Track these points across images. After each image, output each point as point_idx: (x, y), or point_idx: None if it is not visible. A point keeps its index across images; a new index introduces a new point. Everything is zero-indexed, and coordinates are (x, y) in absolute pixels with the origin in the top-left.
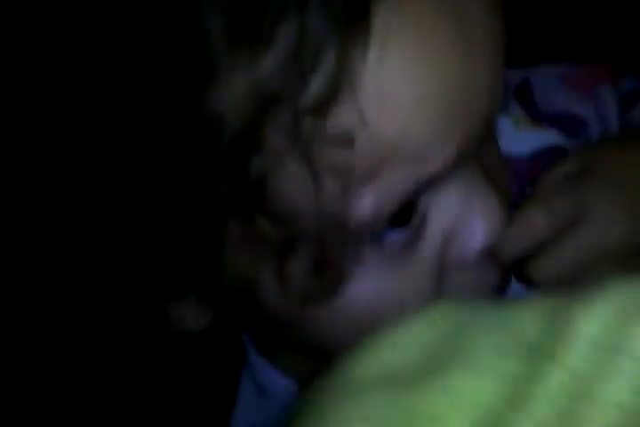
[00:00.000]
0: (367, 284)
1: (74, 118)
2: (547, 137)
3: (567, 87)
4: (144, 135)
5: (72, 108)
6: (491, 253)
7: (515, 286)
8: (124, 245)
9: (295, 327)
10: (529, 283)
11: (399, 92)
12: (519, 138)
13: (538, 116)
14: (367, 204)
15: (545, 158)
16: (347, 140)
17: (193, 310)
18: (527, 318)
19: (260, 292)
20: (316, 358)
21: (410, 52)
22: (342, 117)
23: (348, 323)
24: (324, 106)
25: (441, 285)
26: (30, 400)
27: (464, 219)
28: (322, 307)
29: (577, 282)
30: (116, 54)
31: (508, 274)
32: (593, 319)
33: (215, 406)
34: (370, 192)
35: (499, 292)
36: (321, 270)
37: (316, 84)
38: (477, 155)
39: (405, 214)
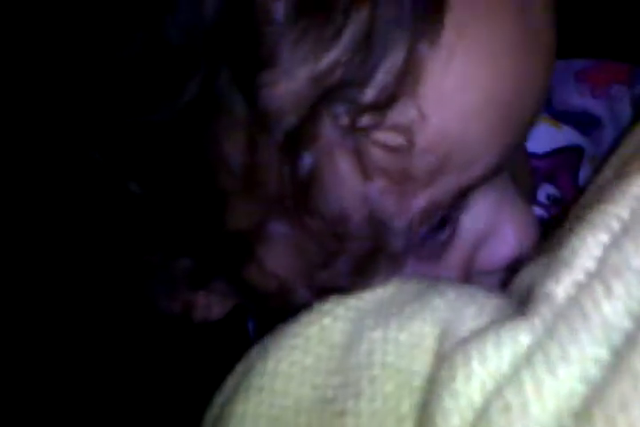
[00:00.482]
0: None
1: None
2: (564, 135)
3: (581, 85)
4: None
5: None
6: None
7: None
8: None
9: None
10: None
11: (462, 92)
12: (536, 135)
13: (553, 114)
14: (417, 207)
15: (561, 156)
16: (404, 140)
17: (218, 297)
18: None
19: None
20: None
21: (478, 52)
22: (402, 116)
23: None
24: (386, 101)
25: None
26: (30, 395)
27: (495, 227)
28: None
29: None
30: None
31: None
32: None
33: None
34: (421, 195)
35: None
36: (361, 271)
37: (381, 78)
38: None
39: (441, 220)
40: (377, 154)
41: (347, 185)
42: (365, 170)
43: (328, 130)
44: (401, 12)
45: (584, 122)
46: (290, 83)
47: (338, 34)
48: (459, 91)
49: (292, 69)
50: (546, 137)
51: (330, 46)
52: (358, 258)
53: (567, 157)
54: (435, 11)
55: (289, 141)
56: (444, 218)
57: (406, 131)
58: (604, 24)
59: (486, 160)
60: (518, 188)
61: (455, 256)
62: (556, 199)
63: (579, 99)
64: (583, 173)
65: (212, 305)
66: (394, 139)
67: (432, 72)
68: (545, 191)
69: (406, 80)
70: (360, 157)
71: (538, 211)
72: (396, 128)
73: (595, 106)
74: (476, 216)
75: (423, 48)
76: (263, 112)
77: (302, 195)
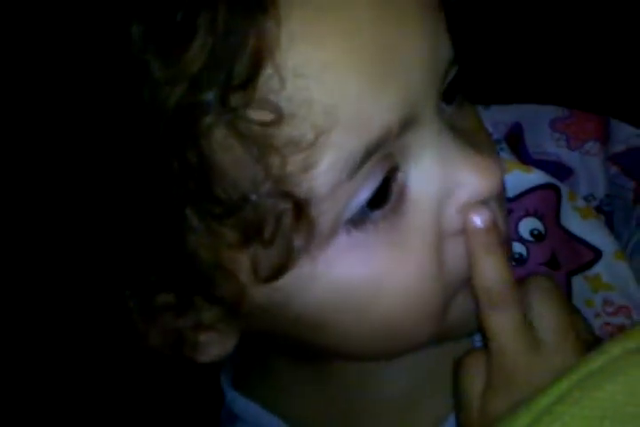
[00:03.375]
0: (363, 264)
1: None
2: (535, 177)
3: (558, 134)
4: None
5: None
6: None
7: None
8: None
9: (297, 329)
10: None
11: (318, 57)
12: (510, 180)
13: (529, 161)
14: (322, 173)
15: (538, 193)
16: (274, 112)
17: (216, 336)
18: None
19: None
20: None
21: (325, 19)
22: (266, 89)
23: (350, 316)
24: (247, 78)
25: (439, 253)
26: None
27: (455, 180)
28: (327, 297)
29: None
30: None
31: None
32: None
33: None
34: (322, 162)
35: None
36: (299, 248)
37: (239, 64)
38: (443, 116)
39: (382, 193)
40: (258, 130)
41: (244, 169)
42: (254, 148)
43: (207, 117)
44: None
45: (556, 171)
46: (165, 82)
47: (190, 36)
48: (317, 51)
49: (164, 71)
50: (517, 181)
51: (187, 48)
52: (288, 238)
53: (545, 194)
54: None
55: (175, 134)
56: (384, 185)
57: (275, 108)
58: (577, 72)
59: (380, 116)
60: (468, 141)
61: (417, 220)
62: (540, 235)
63: (554, 148)
64: (566, 209)
65: (210, 344)
66: (268, 108)
67: (287, 47)
68: (530, 226)
69: (263, 62)
70: (244, 137)
71: (517, 248)
72: (265, 99)
73: (570, 158)
74: (426, 179)
75: (271, 30)
76: (149, 112)
77: (202, 184)
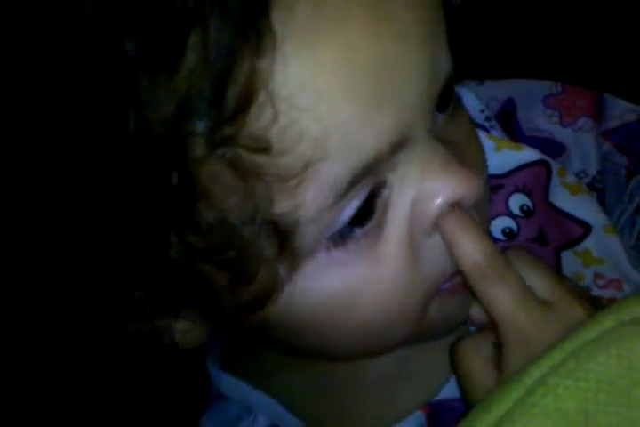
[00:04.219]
0: (340, 281)
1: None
2: (526, 154)
3: (550, 110)
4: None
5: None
6: None
7: None
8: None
9: (275, 328)
10: None
11: (313, 85)
12: (499, 158)
13: (521, 138)
14: (309, 198)
15: (529, 170)
16: (264, 144)
17: (191, 324)
18: None
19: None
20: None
21: (316, 42)
22: (258, 119)
23: (329, 317)
24: (240, 111)
25: (415, 261)
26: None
27: (428, 189)
28: (303, 308)
29: None
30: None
31: None
32: None
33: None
34: (310, 187)
35: None
36: (288, 266)
37: (230, 91)
38: (434, 131)
39: (367, 209)
40: (245, 159)
41: (228, 193)
42: (244, 175)
43: (197, 144)
44: (229, 29)
45: (549, 147)
46: (154, 106)
47: (180, 59)
48: (313, 78)
49: (154, 94)
50: (507, 159)
51: (177, 71)
52: (272, 267)
53: (535, 171)
54: (259, 21)
55: (159, 158)
56: (368, 202)
57: (263, 137)
58: (573, 46)
59: (372, 143)
60: (452, 151)
61: (393, 233)
62: (529, 211)
63: (547, 124)
64: (555, 185)
65: (187, 331)
66: (258, 141)
67: (278, 76)
68: (519, 201)
69: (255, 90)
70: (231, 165)
71: (507, 222)
72: (257, 131)
73: (562, 134)
74: (404, 187)
75: (263, 57)
76: (137, 134)
77: (185, 208)
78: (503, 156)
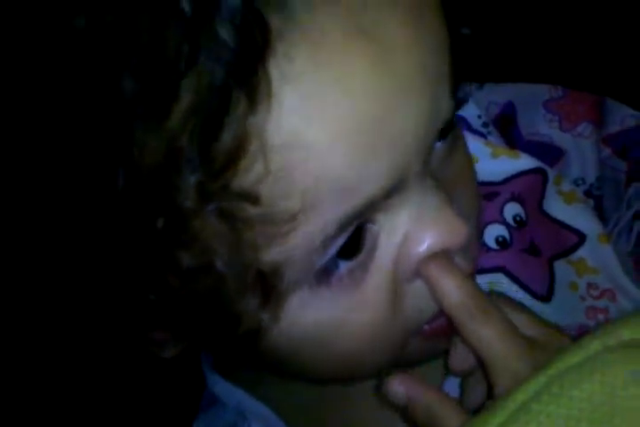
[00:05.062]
0: (323, 315)
1: None
2: (523, 161)
3: (551, 115)
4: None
5: None
6: None
7: None
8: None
9: (261, 355)
10: None
11: (307, 137)
12: (496, 165)
13: (520, 143)
14: (298, 243)
15: (525, 178)
16: (254, 196)
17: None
18: None
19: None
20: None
21: (315, 90)
22: (249, 174)
23: (315, 349)
24: (231, 165)
25: (396, 304)
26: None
27: (415, 232)
28: (283, 337)
29: None
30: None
31: None
32: None
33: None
34: (301, 232)
35: None
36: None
37: (221, 143)
38: (429, 170)
39: (354, 244)
40: (237, 207)
41: (213, 235)
42: (231, 224)
43: (186, 192)
44: (222, 76)
45: (548, 152)
46: (145, 148)
47: (173, 104)
48: (308, 128)
49: (145, 137)
50: (504, 166)
51: (170, 116)
52: (259, 296)
53: (531, 179)
54: (254, 68)
55: (150, 207)
56: (357, 242)
57: (257, 184)
58: (576, 49)
59: (365, 189)
60: (445, 193)
61: (378, 272)
62: (522, 221)
63: (547, 129)
64: (551, 193)
65: (166, 342)
66: (248, 193)
67: (272, 122)
68: (513, 211)
69: (247, 140)
70: (224, 213)
71: (500, 231)
72: (247, 184)
73: (562, 139)
74: (396, 230)
75: (257, 104)
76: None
77: (169, 247)
78: (500, 162)
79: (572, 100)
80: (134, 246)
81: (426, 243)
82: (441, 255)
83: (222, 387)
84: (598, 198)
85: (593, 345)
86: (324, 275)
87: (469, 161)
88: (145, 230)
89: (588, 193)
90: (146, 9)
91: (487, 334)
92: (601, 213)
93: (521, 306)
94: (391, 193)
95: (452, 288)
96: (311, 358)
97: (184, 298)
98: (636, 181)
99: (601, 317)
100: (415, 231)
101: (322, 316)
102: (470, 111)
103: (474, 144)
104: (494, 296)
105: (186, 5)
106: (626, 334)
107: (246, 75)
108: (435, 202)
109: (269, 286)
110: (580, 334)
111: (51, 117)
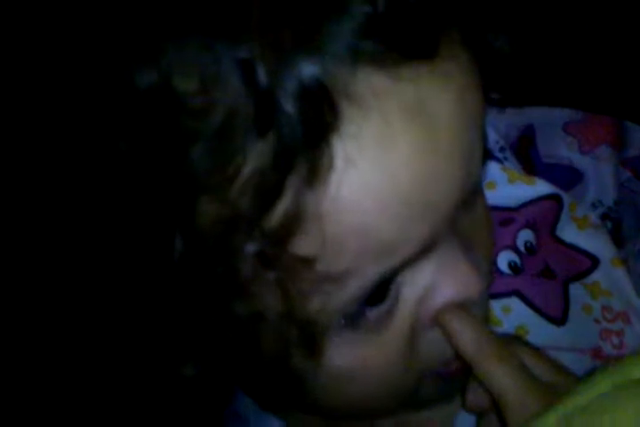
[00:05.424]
0: (345, 354)
1: None
2: (538, 188)
3: (570, 138)
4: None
5: None
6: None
7: None
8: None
9: (294, 391)
10: None
11: (359, 207)
12: (512, 190)
13: (538, 165)
14: (338, 300)
15: (540, 204)
16: (309, 260)
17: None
18: None
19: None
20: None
21: (371, 164)
22: (305, 244)
23: (333, 386)
24: (286, 232)
25: (413, 348)
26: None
27: (434, 283)
28: (309, 373)
29: None
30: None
31: None
32: None
33: None
34: (338, 291)
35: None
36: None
37: (278, 212)
38: (453, 225)
39: (381, 292)
40: (291, 265)
41: (269, 293)
42: (284, 279)
43: (244, 260)
44: (289, 150)
45: (567, 175)
46: (207, 211)
47: (237, 174)
48: (357, 203)
49: (208, 201)
50: (520, 192)
51: (233, 183)
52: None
53: (546, 205)
54: (318, 145)
55: (210, 255)
56: (384, 291)
57: (308, 258)
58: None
59: (403, 251)
60: (464, 247)
61: (399, 321)
62: (532, 248)
63: (566, 151)
64: (565, 219)
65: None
66: (303, 258)
67: (328, 190)
68: (524, 237)
69: (302, 213)
70: (272, 267)
71: (512, 257)
72: (302, 252)
73: (581, 162)
74: (418, 282)
75: (317, 177)
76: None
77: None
78: (516, 188)
79: (591, 123)
80: (190, 298)
81: (444, 296)
82: (458, 306)
83: (243, 402)
84: (616, 221)
85: (603, 384)
86: (352, 320)
87: (487, 209)
88: (202, 288)
89: (605, 215)
90: (220, 76)
91: (505, 379)
92: (619, 236)
93: (536, 350)
94: (425, 252)
95: (467, 334)
96: (331, 397)
97: (235, 345)
98: None
99: (615, 339)
100: (435, 284)
101: (345, 358)
102: (488, 137)
103: (491, 169)
104: (510, 339)
105: (262, 77)
106: (636, 372)
107: (310, 149)
108: (454, 256)
109: (312, 334)
110: (594, 356)
111: (121, 184)
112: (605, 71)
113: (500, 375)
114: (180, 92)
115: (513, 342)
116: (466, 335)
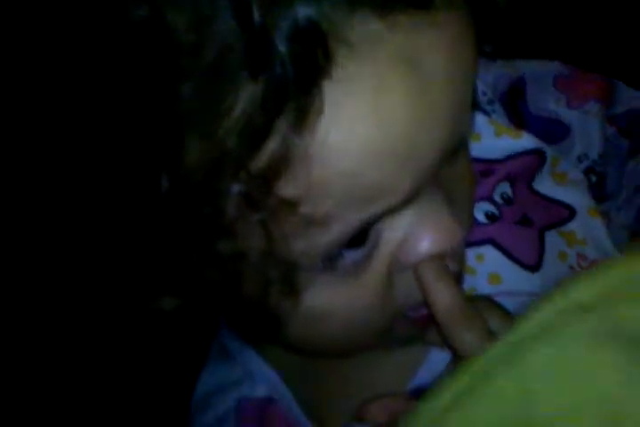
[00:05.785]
0: (322, 295)
1: None
2: (525, 141)
3: (559, 93)
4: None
5: None
6: None
7: None
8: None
9: (271, 327)
10: None
11: (348, 152)
12: (498, 143)
13: (527, 117)
14: (321, 243)
15: (522, 159)
16: (293, 202)
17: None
18: None
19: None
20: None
21: (360, 110)
22: (291, 186)
23: (308, 325)
24: (272, 174)
25: (388, 292)
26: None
27: (414, 232)
28: (286, 312)
29: None
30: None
31: None
32: None
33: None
34: (321, 235)
35: None
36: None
37: (265, 154)
38: (437, 176)
39: (361, 236)
40: (276, 207)
41: (253, 233)
42: (267, 221)
43: (230, 195)
44: (280, 91)
45: (554, 128)
46: (192, 148)
47: (226, 111)
48: (345, 148)
49: (193, 139)
50: (505, 145)
51: (221, 120)
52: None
53: (528, 160)
54: (310, 89)
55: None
56: (364, 235)
57: (297, 194)
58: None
59: (387, 198)
60: (447, 196)
61: (378, 265)
62: (509, 199)
63: (554, 106)
64: (544, 174)
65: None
66: (288, 200)
67: (315, 137)
68: (500, 189)
69: (291, 154)
70: (257, 207)
71: (489, 207)
72: (288, 194)
73: (568, 116)
74: (399, 228)
75: (306, 121)
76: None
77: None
78: (502, 141)
79: (581, 79)
80: (175, 235)
81: (424, 244)
82: (435, 258)
83: (234, 342)
84: (601, 175)
85: (545, 311)
86: (331, 262)
87: (470, 163)
88: (187, 226)
89: (590, 169)
90: (214, 13)
91: (466, 339)
92: (604, 190)
93: (509, 314)
94: (406, 202)
95: (441, 293)
96: (306, 335)
97: (216, 282)
98: (634, 157)
99: None
100: (416, 232)
101: (322, 299)
102: (476, 88)
103: (479, 122)
104: (480, 299)
105: (257, 15)
106: (576, 294)
107: (301, 92)
108: (436, 206)
109: (291, 274)
110: None
111: (105, 120)
112: (598, 28)
113: (464, 341)
114: (172, 26)
115: (483, 303)
116: (439, 293)
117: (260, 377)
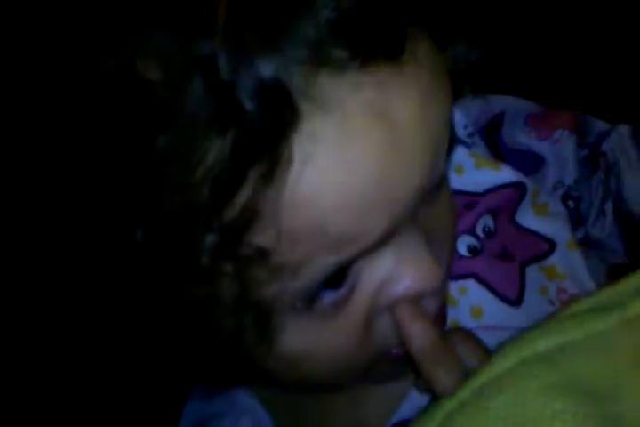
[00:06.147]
0: (300, 337)
1: None
2: (504, 175)
3: (529, 128)
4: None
5: None
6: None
7: None
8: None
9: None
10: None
11: (318, 202)
12: (478, 176)
13: (504, 150)
14: (294, 287)
15: (504, 192)
16: (264, 252)
17: None
18: None
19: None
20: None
21: (329, 162)
22: (261, 237)
23: (288, 367)
24: (243, 225)
25: (366, 333)
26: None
27: (394, 273)
28: (264, 356)
29: None
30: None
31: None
32: None
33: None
34: (295, 278)
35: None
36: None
37: (236, 205)
38: (415, 216)
39: (338, 277)
40: (247, 255)
41: (225, 278)
42: (240, 268)
43: (204, 256)
44: (248, 143)
45: (528, 159)
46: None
47: (200, 161)
48: (315, 198)
49: (172, 186)
50: (485, 177)
51: (196, 172)
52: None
53: (509, 193)
54: (279, 141)
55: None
56: (342, 275)
57: (268, 244)
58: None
59: (361, 242)
60: (426, 236)
61: (357, 306)
62: (490, 232)
63: (525, 139)
64: (525, 206)
65: None
66: (259, 250)
67: (286, 185)
68: (483, 222)
69: (262, 200)
70: (234, 265)
71: (471, 241)
72: (259, 244)
73: (539, 147)
74: (378, 269)
75: (276, 171)
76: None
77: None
78: (482, 174)
79: (550, 117)
80: (149, 281)
81: (402, 285)
82: (413, 299)
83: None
84: (577, 199)
85: (510, 358)
86: (310, 303)
87: (451, 201)
88: (160, 273)
89: (566, 195)
90: (186, 72)
91: (440, 377)
92: (579, 213)
93: (477, 346)
94: (383, 241)
95: (416, 335)
96: (284, 376)
97: (191, 326)
98: (599, 170)
99: None
100: (395, 273)
101: (298, 343)
102: (457, 121)
103: (460, 154)
104: (456, 334)
105: (224, 73)
106: (541, 344)
107: (269, 146)
108: (415, 246)
109: (265, 319)
110: None
111: (80, 170)
112: (574, 70)
113: (439, 381)
114: (143, 77)
115: (460, 338)
116: (414, 335)
117: (245, 409)
